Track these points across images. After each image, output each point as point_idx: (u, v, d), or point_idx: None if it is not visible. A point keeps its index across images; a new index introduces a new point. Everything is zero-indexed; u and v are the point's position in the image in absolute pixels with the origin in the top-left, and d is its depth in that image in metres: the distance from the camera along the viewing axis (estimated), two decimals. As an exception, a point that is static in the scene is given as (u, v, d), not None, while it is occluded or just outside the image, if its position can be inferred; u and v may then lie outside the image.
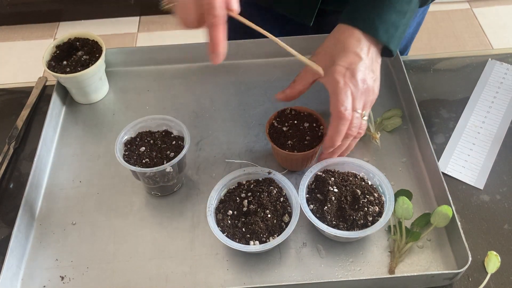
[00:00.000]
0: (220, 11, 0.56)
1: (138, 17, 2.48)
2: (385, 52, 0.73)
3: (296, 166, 0.76)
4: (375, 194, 0.68)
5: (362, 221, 0.66)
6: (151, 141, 0.73)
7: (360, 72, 0.68)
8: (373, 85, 0.70)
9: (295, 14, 0.88)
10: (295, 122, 0.75)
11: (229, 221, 0.67)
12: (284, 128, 0.75)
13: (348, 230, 0.66)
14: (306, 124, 0.75)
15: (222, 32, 0.57)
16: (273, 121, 0.76)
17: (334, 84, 0.67)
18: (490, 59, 0.93)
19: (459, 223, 0.66)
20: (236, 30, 1.08)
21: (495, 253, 0.67)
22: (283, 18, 0.93)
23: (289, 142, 0.73)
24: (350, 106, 0.67)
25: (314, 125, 0.75)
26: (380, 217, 0.66)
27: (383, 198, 0.68)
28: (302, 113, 0.76)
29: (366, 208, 0.67)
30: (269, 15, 0.97)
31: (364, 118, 0.70)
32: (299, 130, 0.74)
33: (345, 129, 0.67)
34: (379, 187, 0.70)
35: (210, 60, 0.59)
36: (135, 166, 0.69)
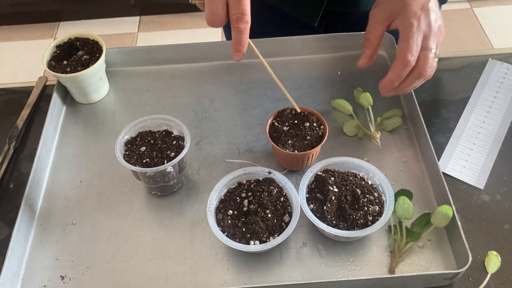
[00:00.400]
0: (249, 18, 0.61)
1: (138, 17, 2.48)
2: None
3: (296, 165, 0.75)
4: (375, 194, 0.68)
5: (362, 220, 0.66)
6: (152, 141, 0.73)
7: (433, 12, 0.67)
8: (442, 24, 0.69)
9: (300, 14, 0.88)
10: (295, 122, 0.75)
11: (229, 221, 0.67)
12: (285, 128, 0.75)
13: (348, 229, 0.66)
14: (307, 124, 0.74)
15: (248, 35, 0.63)
16: (273, 121, 0.76)
17: (408, 27, 0.66)
18: (490, 59, 0.93)
19: (459, 223, 0.66)
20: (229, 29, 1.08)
21: (495, 253, 0.67)
22: (290, 18, 0.93)
23: (290, 141, 0.73)
24: (417, 53, 0.66)
25: (315, 124, 0.75)
26: (380, 216, 0.66)
27: (383, 197, 0.68)
28: (302, 113, 0.76)
29: (366, 208, 0.67)
30: (276, 14, 0.97)
31: (436, 58, 0.69)
32: (300, 129, 0.74)
33: (405, 74, 0.67)
34: (379, 187, 0.70)
35: (234, 58, 0.65)
36: (135, 166, 0.69)
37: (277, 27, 1.00)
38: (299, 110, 0.75)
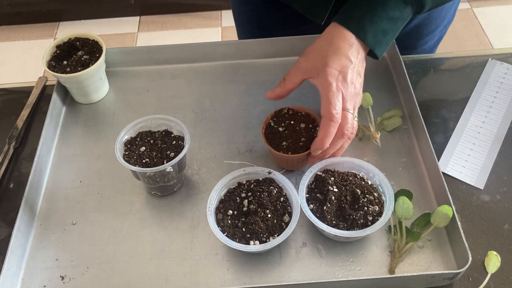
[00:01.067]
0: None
1: (138, 17, 2.48)
2: (372, 54, 0.75)
3: (292, 166, 0.76)
4: (375, 194, 0.68)
5: (362, 220, 0.66)
6: (151, 141, 0.73)
7: (350, 75, 0.70)
8: (360, 89, 0.73)
9: (308, 12, 0.89)
10: (292, 122, 0.75)
11: (229, 221, 0.67)
12: (280, 129, 0.74)
13: (348, 229, 0.66)
14: (302, 125, 0.74)
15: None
16: (270, 121, 0.75)
17: (327, 86, 0.68)
18: (490, 59, 0.93)
19: (459, 223, 0.66)
20: (244, 28, 1.08)
21: (495, 253, 0.67)
22: (300, 17, 0.93)
23: (284, 143, 0.72)
24: (340, 109, 0.68)
25: (310, 126, 0.74)
26: (380, 216, 0.66)
27: (383, 197, 0.68)
28: (299, 113, 0.76)
29: (366, 208, 0.67)
30: (286, 13, 0.97)
31: (355, 118, 0.71)
32: (295, 131, 0.74)
33: (335, 131, 0.68)
34: (379, 187, 0.70)
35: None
36: (135, 166, 0.69)
37: (287, 26, 1.01)
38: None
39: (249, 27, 1.05)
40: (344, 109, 0.69)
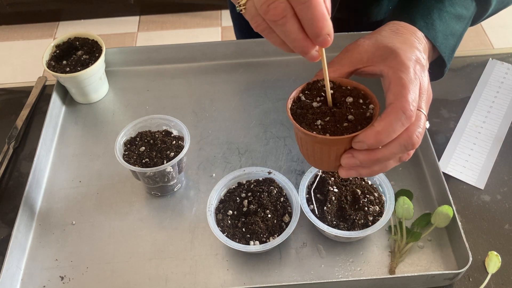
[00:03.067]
0: None
1: (138, 17, 2.48)
2: (434, 69, 0.60)
3: (327, 159, 0.52)
4: (375, 194, 0.68)
5: (362, 220, 0.66)
6: (151, 141, 0.73)
7: (426, 71, 0.53)
8: (432, 95, 0.55)
9: None
10: (333, 97, 0.53)
11: (229, 221, 0.67)
12: (315, 104, 0.52)
13: (348, 230, 0.66)
14: (350, 99, 0.52)
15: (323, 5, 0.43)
16: (300, 94, 0.53)
17: (403, 70, 0.50)
18: (490, 58, 0.93)
19: (459, 223, 0.66)
20: (240, 26, 1.08)
21: (495, 253, 0.67)
22: None
23: (320, 122, 0.50)
24: (417, 104, 0.49)
25: (361, 101, 0.52)
26: (381, 216, 0.66)
27: (383, 197, 0.68)
28: (343, 88, 0.53)
29: (366, 208, 0.66)
30: None
31: (427, 126, 0.53)
32: (337, 107, 0.52)
33: (401, 130, 0.48)
34: (379, 187, 0.70)
35: (310, 55, 0.47)
36: (135, 166, 0.69)
37: None
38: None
39: (245, 24, 1.04)
40: (419, 107, 0.50)
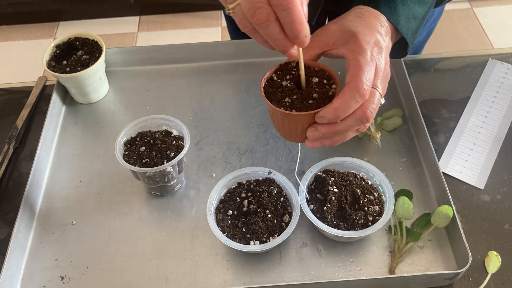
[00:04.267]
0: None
1: (138, 17, 2.48)
2: (396, 51, 0.66)
3: (295, 132, 0.59)
4: (375, 194, 0.68)
5: (362, 220, 0.66)
6: (151, 141, 0.73)
7: (385, 53, 0.59)
8: (389, 75, 0.61)
9: None
10: (299, 78, 0.59)
11: (229, 221, 0.67)
12: (284, 82, 0.58)
13: (348, 230, 0.66)
14: (315, 79, 0.58)
15: (301, 11, 0.49)
16: (273, 75, 0.60)
17: (360, 52, 0.56)
18: (490, 59, 0.93)
19: (459, 223, 0.66)
20: (234, 25, 1.08)
21: (495, 253, 0.67)
22: None
23: (287, 99, 0.57)
24: (371, 83, 0.55)
25: (325, 82, 0.58)
26: (381, 216, 0.66)
27: (383, 197, 0.68)
28: (311, 69, 0.60)
29: (366, 208, 0.66)
30: None
31: (382, 103, 0.59)
32: (305, 86, 0.58)
33: (356, 106, 0.55)
34: (379, 187, 0.70)
35: (292, 53, 0.55)
36: (135, 166, 0.69)
37: None
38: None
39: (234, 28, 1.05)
40: (374, 85, 0.56)
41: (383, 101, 0.59)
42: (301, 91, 0.57)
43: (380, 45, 0.58)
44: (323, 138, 0.57)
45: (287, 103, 0.56)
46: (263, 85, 0.59)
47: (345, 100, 0.54)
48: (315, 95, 0.57)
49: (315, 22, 0.86)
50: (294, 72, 0.59)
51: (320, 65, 0.60)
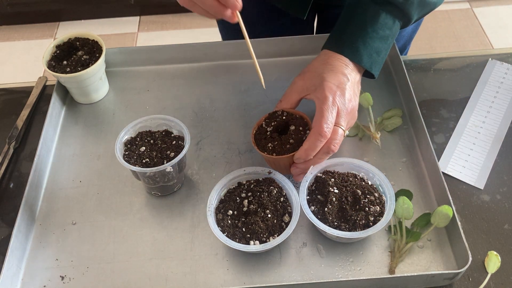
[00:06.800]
0: None
1: (138, 17, 2.48)
2: (367, 74, 0.76)
3: (279, 169, 0.72)
4: (376, 194, 0.68)
5: (363, 221, 0.66)
6: (151, 141, 0.73)
7: (348, 92, 0.70)
8: (355, 108, 0.72)
9: (288, 8, 0.89)
10: (283, 124, 0.73)
11: (229, 221, 0.67)
12: (269, 129, 0.72)
13: (350, 230, 0.66)
14: (292, 127, 0.71)
15: None
16: (262, 123, 0.73)
17: (322, 99, 0.68)
18: (490, 59, 0.93)
19: (459, 223, 0.66)
20: (236, 31, 1.09)
21: (495, 253, 0.67)
22: (280, 11, 0.93)
23: (270, 144, 0.70)
24: (332, 124, 0.67)
25: (301, 128, 0.71)
26: (381, 217, 0.66)
27: (384, 197, 0.68)
28: (293, 115, 0.73)
29: (367, 208, 0.66)
30: (265, 7, 0.97)
31: (345, 135, 0.70)
32: (284, 133, 0.72)
33: (321, 146, 0.67)
34: (379, 187, 0.70)
35: (228, 15, 0.63)
36: (135, 166, 0.69)
37: (268, 20, 1.01)
38: (264, 86, 0.72)
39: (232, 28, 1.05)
40: (337, 124, 0.68)
41: (347, 133, 0.71)
42: (280, 137, 0.71)
43: (343, 87, 0.69)
44: (304, 171, 0.70)
45: (270, 148, 0.70)
46: (253, 132, 0.73)
47: (312, 142, 0.66)
48: (291, 141, 0.70)
49: (305, 17, 0.87)
50: (278, 119, 0.73)
51: (300, 112, 0.73)
